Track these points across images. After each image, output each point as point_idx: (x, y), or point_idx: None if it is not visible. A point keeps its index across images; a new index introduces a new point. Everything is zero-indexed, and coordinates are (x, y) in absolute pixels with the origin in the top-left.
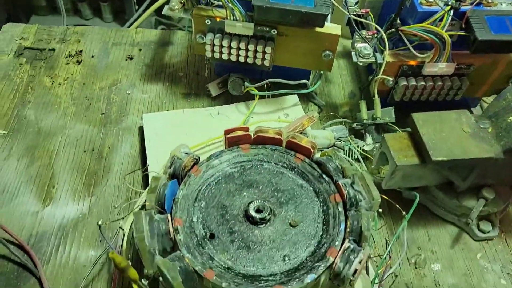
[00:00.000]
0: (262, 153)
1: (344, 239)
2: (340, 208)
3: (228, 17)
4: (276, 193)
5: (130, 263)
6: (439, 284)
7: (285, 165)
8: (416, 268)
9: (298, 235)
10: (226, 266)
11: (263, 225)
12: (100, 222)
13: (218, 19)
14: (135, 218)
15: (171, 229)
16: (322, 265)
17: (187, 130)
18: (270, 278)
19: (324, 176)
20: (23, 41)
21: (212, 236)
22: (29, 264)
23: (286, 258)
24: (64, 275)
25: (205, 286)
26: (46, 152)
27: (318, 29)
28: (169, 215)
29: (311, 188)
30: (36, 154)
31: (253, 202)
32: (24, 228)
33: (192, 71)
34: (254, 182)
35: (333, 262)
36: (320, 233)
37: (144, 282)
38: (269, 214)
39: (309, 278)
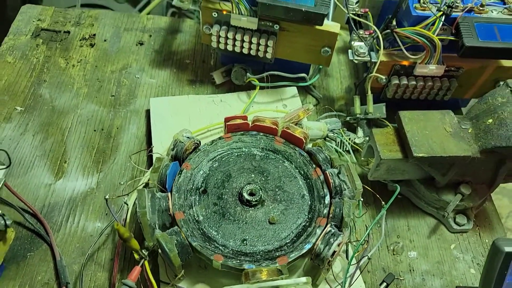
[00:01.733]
0: (290, 153)
1: (325, 226)
2: (318, 231)
3: (234, 11)
4: (277, 190)
5: (132, 235)
6: (413, 270)
7: (302, 172)
8: (393, 254)
9: (269, 231)
10: (195, 219)
11: (247, 207)
12: (107, 196)
13: (224, 12)
14: (139, 195)
15: (170, 206)
16: (267, 264)
17: (191, 115)
18: (219, 247)
19: (326, 197)
20: (40, 23)
21: (204, 191)
22: (41, 232)
23: (244, 242)
24: (73, 243)
25: (198, 258)
26: (59, 129)
27: (318, 27)
28: (169, 194)
29: (309, 203)
30: (50, 130)
31: (251, 185)
32: (38, 199)
33: (198, 59)
34: (267, 171)
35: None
36: (287, 241)
37: (145, 252)
38: (256, 201)
39: (247, 266)
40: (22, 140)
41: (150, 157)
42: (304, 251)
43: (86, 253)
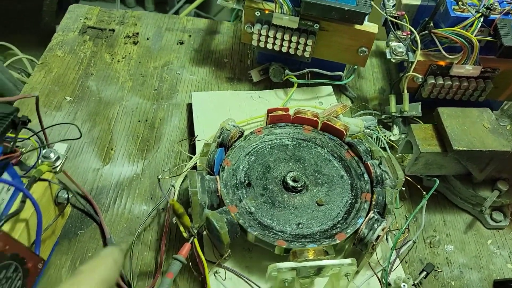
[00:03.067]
0: (320, 139)
1: (368, 213)
2: (366, 206)
3: (277, 10)
4: (316, 174)
5: (185, 212)
6: (450, 263)
7: (335, 155)
8: (430, 247)
9: (319, 213)
10: (248, 210)
11: (294, 193)
12: (159, 176)
13: (267, 12)
14: (190, 176)
15: (219, 188)
16: (327, 242)
17: (230, 109)
18: (278, 233)
19: (364, 175)
20: (87, 21)
21: (249, 185)
22: (91, 211)
23: (300, 225)
24: (121, 223)
25: (246, 239)
26: (106, 119)
27: (357, 27)
28: (217, 176)
29: (349, 181)
30: (97, 119)
31: (293, 172)
32: (87, 182)
33: (236, 58)
34: (302, 158)
35: (358, 228)
36: (339, 219)
37: (194, 230)
38: (301, 187)
39: (310, 245)
40: (72, 127)
41: (192, 146)
42: (358, 225)
43: (134, 233)
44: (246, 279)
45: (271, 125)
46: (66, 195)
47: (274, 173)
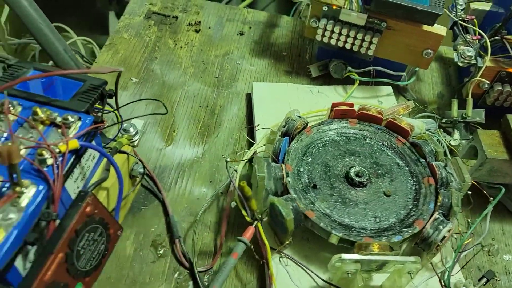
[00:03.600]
0: (367, 130)
1: (433, 213)
2: (432, 190)
3: (345, 6)
4: (374, 165)
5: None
6: (509, 272)
7: (386, 144)
8: (489, 255)
9: (390, 203)
10: (324, 212)
11: (360, 188)
12: (228, 159)
13: (334, 7)
14: (258, 162)
15: (284, 175)
16: (409, 231)
17: (290, 101)
18: (361, 231)
19: (420, 160)
20: (152, 6)
21: (315, 187)
22: (154, 189)
23: (377, 219)
24: (182, 203)
25: (309, 226)
26: (168, 101)
27: (425, 28)
28: (282, 164)
29: (407, 168)
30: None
31: (354, 167)
32: (150, 160)
33: (295, 53)
34: (356, 152)
35: (421, 229)
36: (410, 207)
37: (258, 214)
38: (367, 180)
39: (396, 238)
40: (136, 107)
41: (251, 135)
42: (431, 210)
43: (194, 214)
44: (305, 268)
45: (318, 123)
46: (142, 170)
47: (335, 171)
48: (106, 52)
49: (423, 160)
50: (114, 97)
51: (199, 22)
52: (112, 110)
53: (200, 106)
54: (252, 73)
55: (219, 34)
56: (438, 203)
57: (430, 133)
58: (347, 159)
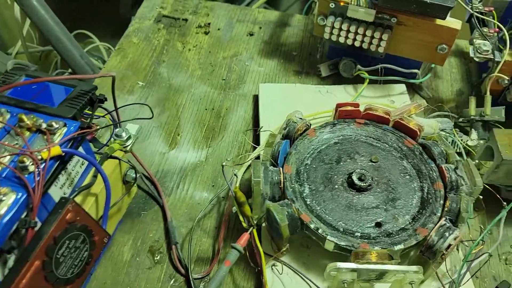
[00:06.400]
0: (374, 131)
1: (440, 219)
2: (439, 194)
3: (352, 2)
4: (378, 169)
5: (247, 201)
6: None
7: (393, 145)
8: (506, 264)
9: (394, 209)
10: (321, 217)
11: (362, 192)
12: (224, 163)
13: (341, 4)
14: (254, 166)
15: (282, 180)
16: (412, 239)
17: (298, 102)
18: (359, 237)
19: (429, 162)
20: (162, 10)
21: (313, 190)
22: (155, 194)
23: (378, 225)
24: (182, 208)
25: (305, 232)
26: (174, 105)
27: (438, 22)
28: (281, 168)
29: (415, 171)
30: (166, 105)
31: (356, 170)
32: (153, 164)
33: (305, 52)
34: (360, 154)
35: (425, 237)
36: (415, 213)
37: (254, 220)
38: (369, 184)
39: (397, 247)
40: (141, 111)
41: (256, 137)
42: (437, 216)
43: (194, 219)
44: (303, 276)
45: (323, 124)
46: (134, 175)
47: (336, 175)
48: (115, 57)
49: (433, 163)
50: (106, 100)
51: (209, 24)
52: (103, 115)
53: (206, 109)
54: (260, 74)
55: (229, 35)
56: (446, 209)
57: (445, 133)
58: (349, 162)
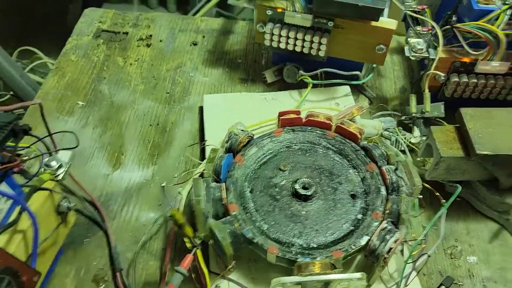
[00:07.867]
0: (316, 138)
1: (380, 223)
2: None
3: (288, 8)
4: (321, 177)
5: (187, 222)
6: (473, 275)
7: (335, 150)
8: (451, 258)
9: (336, 216)
10: (262, 229)
11: (306, 201)
12: (163, 184)
13: (279, 10)
14: (194, 183)
15: (224, 197)
16: (352, 246)
17: (243, 111)
18: (299, 248)
19: (369, 164)
20: (101, 24)
21: (259, 209)
22: (98, 219)
23: (321, 234)
24: (127, 231)
25: (249, 251)
26: (117, 123)
27: (373, 23)
28: (223, 184)
29: (357, 176)
30: (109, 124)
31: (300, 179)
32: (96, 188)
33: (250, 59)
34: (302, 163)
35: (367, 242)
36: (358, 219)
37: (197, 240)
38: (313, 192)
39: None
40: (83, 132)
41: (202, 151)
42: (378, 221)
43: (139, 242)
44: None
45: (267, 134)
46: (69, 204)
47: (278, 186)
48: (52, 77)
49: (376, 168)
50: (30, 130)
51: (150, 35)
52: (28, 145)
53: (151, 125)
54: (205, 85)
55: (171, 46)
56: (387, 211)
57: (388, 132)
58: (292, 172)
